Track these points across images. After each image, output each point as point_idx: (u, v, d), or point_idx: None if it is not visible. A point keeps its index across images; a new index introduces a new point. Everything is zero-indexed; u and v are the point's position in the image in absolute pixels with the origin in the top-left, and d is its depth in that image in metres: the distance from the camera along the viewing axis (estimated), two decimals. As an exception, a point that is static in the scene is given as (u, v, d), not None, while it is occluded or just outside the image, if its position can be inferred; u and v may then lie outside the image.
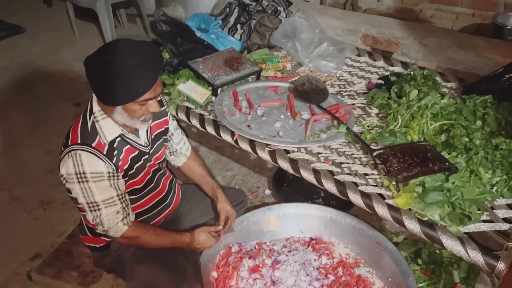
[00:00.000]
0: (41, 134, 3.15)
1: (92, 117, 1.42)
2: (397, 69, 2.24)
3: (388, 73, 2.15)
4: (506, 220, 1.31)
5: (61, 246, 1.94)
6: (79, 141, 1.39)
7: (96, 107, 1.43)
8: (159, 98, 1.60)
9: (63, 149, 1.42)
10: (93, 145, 1.39)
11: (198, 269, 1.68)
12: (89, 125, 1.42)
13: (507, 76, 1.82)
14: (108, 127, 1.43)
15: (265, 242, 1.98)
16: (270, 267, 1.78)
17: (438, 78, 2.08)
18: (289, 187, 2.50)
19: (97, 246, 1.67)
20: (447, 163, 1.44)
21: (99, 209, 1.43)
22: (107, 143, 1.42)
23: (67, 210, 2.40)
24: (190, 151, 1.85)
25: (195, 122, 1.85)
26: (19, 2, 5.67)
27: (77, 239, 1.83)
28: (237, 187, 2.52)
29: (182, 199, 1.89)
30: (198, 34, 2.38)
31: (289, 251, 1.88)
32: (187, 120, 1.88)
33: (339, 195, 1.47)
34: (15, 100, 3.62)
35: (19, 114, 3.41)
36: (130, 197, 1.58)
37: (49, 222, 2.37)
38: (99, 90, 1.36)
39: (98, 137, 1.41)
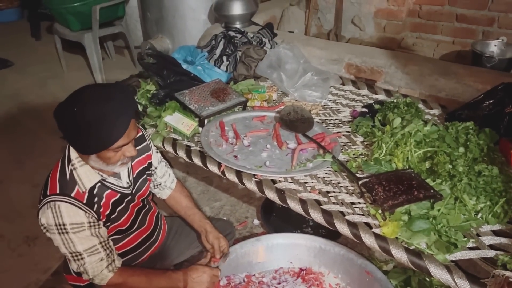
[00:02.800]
0: (27, 168, 3.11)
1: (70, 165, 1.40)
2: (381, 97, 2.28)
3: (372, 101, 2.18)
4: (491, 247, 1.32)
5: (45, 284, 1.90)
6: (57, 191, 1.36)
7: (73, 154, 1.40)
8: (140, 134, 1.59)
9: (42, 198, 1.39)
10: (72, 194, 1.37)
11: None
12: (68, 173, 1.39)
13: (487, 102, 1.86)
14: (87, 174, 1.40)
15: (254, 274, 1.95)
16: (259, 300, 1.76)
17: (421, 105, 2.12)
18: (278, 216, 2.48)
19: (81, 285, 1.63)
20: (432, 191, 1.45)
21: (82, 258, 1.39)
22: (87, 191, 1.40)
23: (52, 246, 2.29)
24: (175, 183, 1.83)
25: (181, 153, 1.85)
26: (6, 35, 5.71)
27: (61, 277, 1.78)
28: (225, 218, 2.50)
29: (169, 233, 1.87)
30: (184, 66, 2.40)
31: (279, 283, 1.86)
32: (174, 152, 1.87)
33: (326, 225, 1.47)
34: (0, 134, 3.58)
35: (4, 148, 3.38)
36: (115, 236, 1.55)
37: (34, 259, 2.31)
38: (71, 141, 1.35)
39: (76, 186, 1.38)
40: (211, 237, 1.74)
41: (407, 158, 1.64)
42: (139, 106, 2.09)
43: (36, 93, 4.24)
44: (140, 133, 1.61)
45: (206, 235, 1.76)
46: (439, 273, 1.24)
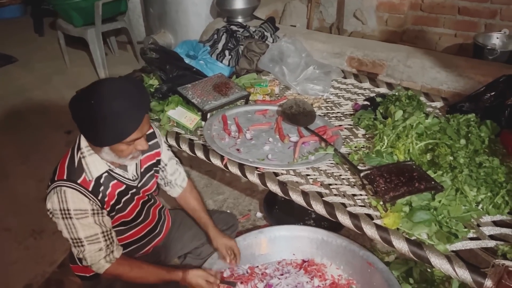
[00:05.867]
0: (32, 163, 3.14)
1: (79, 153, 1.43)
2: (383, 90, 2.28)
3: (373, 95, 2.19)
4: (492, 237, 1.33)
5: (52, 276, 1.92)
6: (65, 177, 1.39)
7: (83, 143, 1.43)
8: (151, 131, 1.61)
9: (50, 183, 1.42)
10: (79, 181, 1.40)
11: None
12: (76, 161, 1.42)
13: (489, 95, 1.87)
14: (95, 163, 1.43)
15: (257, 266, 1.97)
16: (262, 291, 1.78)
17: (422, 98, 2.13)
18: (281, 209, 2.50)
19: (87, 275, 1.65)
20: (433, 182, 1.46)
21: (82, 245, 1.42)
22: (93, 179, 1.42)
23: (58, 239, 2.38)
24: (186, 182, 1.83)
25: (184, 147, 1.86)
26: (10, 32, 5.73)
27: (68, 269, 1.81)
28: (228, 211, 2.52)
29: (172, 225, 1.89)
30: (187, 60, 2.42)
31: (281, 274, 1.88)
32: (177, 146, 1.89)
33: (328, 216, 1.48)
34: (6, 130, 3.62)
35: (10, 143, 3.41)
36: (119, 228, 1.58)
37: (40, 252, 2.34)
38: (85, 132, 1.37)
39: (84, 174, 1.41)
40: (215, 243, 1.77)
41: (409, 150, 1.65)
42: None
43: (41, 89, 4.26)
44: (151, 130, 1.63)
45: (210, 241, 1.79)
46: (439, 263, 1.25)
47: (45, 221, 2.52)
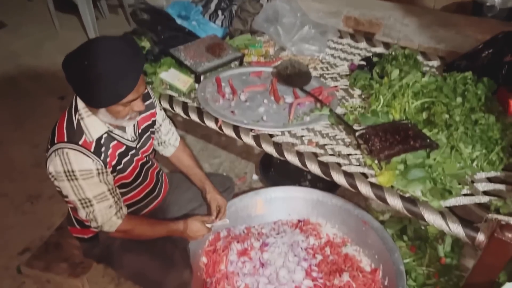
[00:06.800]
0: (27, 128, 3.12)
1: (77, 114, 1.40)
2: (379, 50, 2.24)
3: (370, 54, 2.15)
4: (485, 193, 1.34)
5: (50, 239, 1.93)
6: (65, 139, 1.37)
7: (80, 104, 1.40)
8: (146, 91, 1.59)
9: (49, 146, 1.40)
10: (80, 143, 1.38)
11: (187, 255, 1.70)
12: (75, 123, 1.40)
13: (487, 52, 1.84)
14: (93, 124, 1.41)
15: (254, 226, 2.00)
16: (258, 249, 1.81)
17: (419, 57, 2.09)
18: (276, 171, 2.51)
19: (86, 237, 1.67)
20: (428, 140, 1.46)
21: (91, 205, 1.42)
22: (94, 141, 1.41)
23: (55, 204, 2.40)
24: (178, 141, 1.84)
25: (178, 110, 1.84)
26: (-2, -3, 5.57)
27: (66, 232, 1.82)
28: (224, 174, 2.53)
29: (170, 188, 1.89)
30: (179, 21, 2.35)
31: (277, 234, 1.91)
32: (170, 108, 1.87)
33: (323, 176, 1.48)
34: (-2, 96, 3.58)
35: (4, 110, 3.38)
36: (119, 190, 1.58)
37: (37, 216, 2.36)
38: (80, 94, 1.34)
39: (84, 135, 1.39)
40: (209, 197, 1.79)
41: (404, 109, 1.64)
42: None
43: (32, 54, 4.19)
44: (146, 90, 1.61)
45: (205, 195, 1.81)
46: (433, 219, 1.26)
47: (41, 186, 2.54)
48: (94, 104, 1.35)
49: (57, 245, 1.90)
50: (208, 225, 1.73)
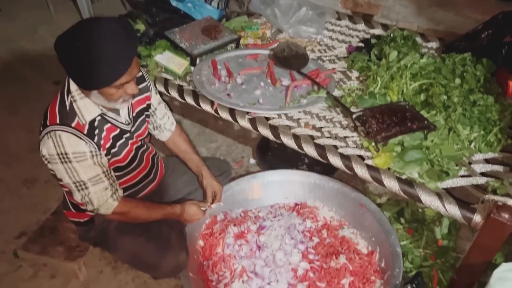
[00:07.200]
0: (21, 113, 3.09)
1: (69, 96, 1.38)
2: (378, 31, 2.21)
3: (368, 36, 2.12)
4: (483, 174, 1.33)
5: (46, 223, 1.93)
6: (58, 121, 1.35)
7: (73, 86, 1.38)
8: (140, 74, 1.56)
9: (42, 129, 1.38)
10: (73, 125, 1.36)
11: (183, 238, 1.70)
12: (67, 105, 1.38)
13: (486, 33, 1.81)
14: (87, 107, 1.39)
15: (251, 210, 1.99)
16: (255, 232, 1.80)
17: (418, 39, 2.06)
18: (274, 155, 2.50)
19: (82, 220, 1.67)
20: (425, 122, 1.44)
21: (86, 188, 1.41)
22: (87, 123, 1.39)
23: (50, 188, 2.38)
24: (174, 126, 1.83)
25: (174, 93, 1.82)
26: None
27: (62, 216, 1.82)
28: (221, 158, 2.51)
29: (165, 172, 1.88)
30: (174, 3, 2.31)
31: (274, 217, 1.90)
32: (166, 92, 1.85)
33: (319, 158, 1.47)
34: (-7, 81, 3.54)
35: (-2, 94, 3.35)
36: (115, 174, 1.56)
37: (33, 201, 2.35)
38: (72, 75, 1.32)
39: (77, 117, 1.37)
40: (205, 183, 1.78)
41: (402, 91, 1.62)
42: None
43: (27, 39, 4.13)
44: (140, 73, 1.58)
45: (201, 180, 1.80)
46: (429, 200, 1.26)
47: (37, 171, 2.52)
48: (86, 86, 1.33)
49: (53, 229, 1.91)
50: (203, 208, 1.74)
